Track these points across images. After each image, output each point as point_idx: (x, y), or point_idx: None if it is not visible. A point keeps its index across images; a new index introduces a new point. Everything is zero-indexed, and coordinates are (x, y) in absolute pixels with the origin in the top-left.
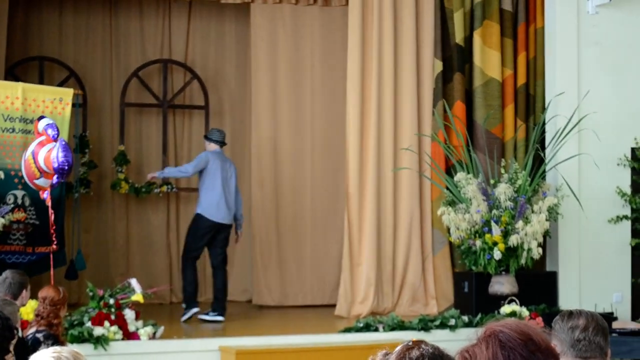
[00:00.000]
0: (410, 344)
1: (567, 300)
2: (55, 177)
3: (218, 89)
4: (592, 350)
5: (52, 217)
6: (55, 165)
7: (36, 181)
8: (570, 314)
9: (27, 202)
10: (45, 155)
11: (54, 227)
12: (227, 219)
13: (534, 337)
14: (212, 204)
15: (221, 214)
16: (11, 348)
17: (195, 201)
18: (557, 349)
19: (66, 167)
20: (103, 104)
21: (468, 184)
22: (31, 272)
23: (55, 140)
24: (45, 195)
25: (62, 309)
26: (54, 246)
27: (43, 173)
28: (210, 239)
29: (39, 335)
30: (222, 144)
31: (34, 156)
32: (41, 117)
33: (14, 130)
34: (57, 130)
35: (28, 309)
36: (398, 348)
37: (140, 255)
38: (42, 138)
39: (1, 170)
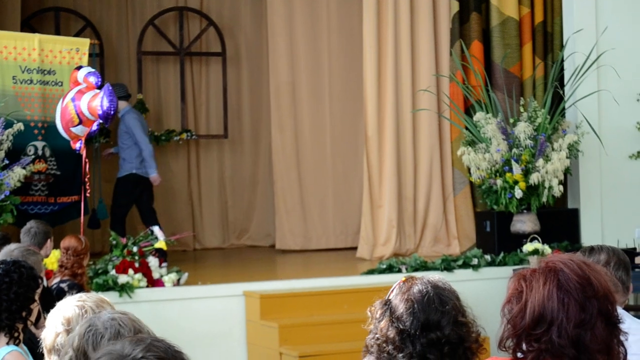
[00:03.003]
0: (404, 282)
1: (589, 236)
2: (95, 124)
3: (234, 35)
4: (614, 286)
5: (87, 167)
6: (100, 111)
7: (73, 129)
8: (592, 249)
9: (48, 152)
10: (89, 101)
11: (88, 177)
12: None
13: (593, 282)
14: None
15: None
16: (36, 297)
17: (216, 147)
18: None
19: (112, 112)
20: (120, 53)
21: (487, 123)
22: (54, 222)
23: (99, 87)
24: (79, 145)
25: (85, 259)
26: (87, 194)
27: (83, 120)
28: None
29: (63, 285)
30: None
31: (75, 103)
32: (79, 67)
33: (31, 81)
34: (100, 77)
35: (52, 259)
36: (395, 290)
37: (162, 203)
38: (82, 86)
39: (20, 121)
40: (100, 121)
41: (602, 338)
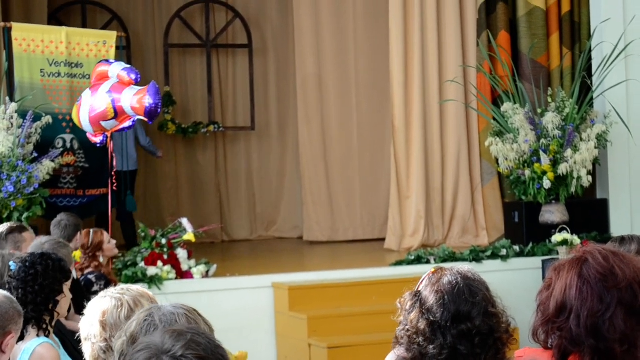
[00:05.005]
0: (433, 273)
1: (618, 226)
2: (131, 120)
3: (261, 27)
4: None
5: (114, 161)
6: (147, 108)
7: (103, 122)
8: (622, 239)
9: (76, 145)
10: (132, 97)
11: (114, 171)
12: None
13: (616, 272)
14: None
15: None
16: (65, 289)
17: (244, 139)
18: None
19: (159, 110)
20: (146, 45)
21: (515, 114)
22: (83, 215)
23: (137, 82)
24: (100, 139)
25: (97, 254)
26: (114, 187)
27: (119, 115)
28: None
29: (91, 277)
30: None
31: (113, 97)
32: (106, 60)
33: (59, 74)
34: (138, 73)
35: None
36: (424, 281)
37: (190, 196)
38: (114, 80)
39: (49, 114)
40: (141, 118)
41: (622, 329)
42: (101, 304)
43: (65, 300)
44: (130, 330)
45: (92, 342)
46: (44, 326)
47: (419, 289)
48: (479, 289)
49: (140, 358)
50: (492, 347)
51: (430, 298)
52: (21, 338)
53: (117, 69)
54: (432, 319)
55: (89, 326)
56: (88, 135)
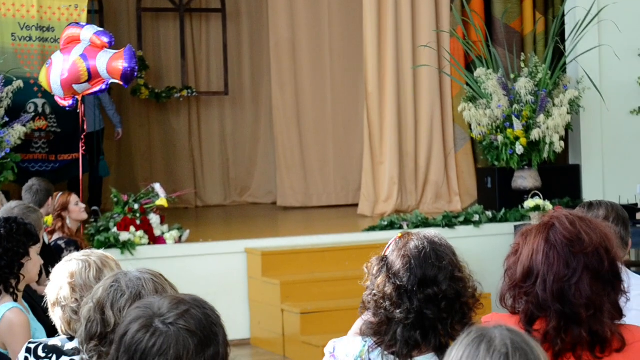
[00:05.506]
0: (400, 237)
1: (590, 192)
2: (104, 83)
3: None
4: None
5: (85, 125)
6: (124, 72)
7: (75, 85)
8: (590, 204)
9: (48, 110)
10: (109, 60)
11: (84, 134)
12: None
13: (583, 237)
14: None
15: None
16: (32, 253)
17: (217, 104)
18: None
19: (135, 74)
20: (119, 9)
21: (488, 79)
22: (55, 180)
23: (111, 46)
24: (70, 102)
25: (63, 212)
26: (83, 152)
27: (92, 78)
28: None
29: (60, 243)
30: None
31: (88, 60)
32: (76, 23)
33: (30, 38)
34: (112, 36)
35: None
36: (391, 246)
37: (163, 161)
38: (87, 44)
39: (20, 79)
40: (116, 81)
41: (588, 294)
42: (68, 267)
43: (32, 263)
44: (97, 296)
45: (62, 304)
46: (11, 290)
47: (386, 254)
48: (445, 253)
49: (133, 314)
50: (458, 311)
51: (397, 263)
52: None
53: (90, 32)
54: (398, 283)
55: (57, 290)
56: (57, 98)
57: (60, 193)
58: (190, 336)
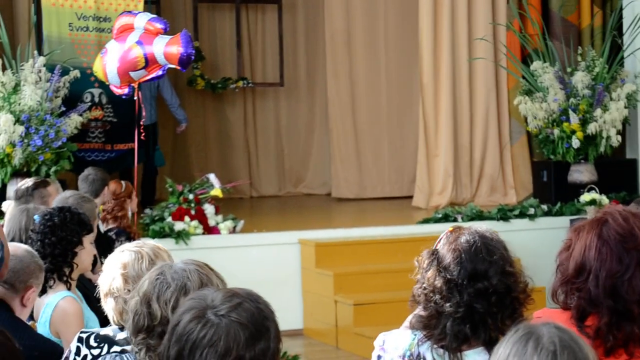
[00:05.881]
0: (451, 231)
1: None
2: (161, 69)
3: None
4: None
5: (143, 112)
6: (180, 57)
7: (132, 73)
8: None
9: (104, 99)
10: (165, 46)
11: (143, 121)
12: None
13: (636, 233)
14: None
15: None
16: (86, 242)
17: (272, 95)
18: None
19: (192, 58)
20: (175, 1)
21: (545, 72)
22: (110, 170)
23: (166, 32)
24: (127, 90)
25: (126, 201)
26: (143, 137)
27: (150, 64)
28: None
29: (111, 234)
30: None
31: (144, 47)
32: (128, 12)
33: (87, 28)
34: (166, 22)
35: None
36: (442, 239)
37: (218, 151)
38: (142, 31)
39: (77, 69)
40: (173, 66)
41: None
42: (120, 258)
43: (85, 252)
44: (143, 289)
45: (115, 296)
46: (64, 278)
47: (437, 248)
48: (496, 247)
49: (187, 305)
50: (508, 306)
51: (447, 256)
52: (44, 292)
53: (144, 20)
54: (448, 277)
55: (110, 280)
56: (112, 87)
57: (123, 182)
58: (241, 329)
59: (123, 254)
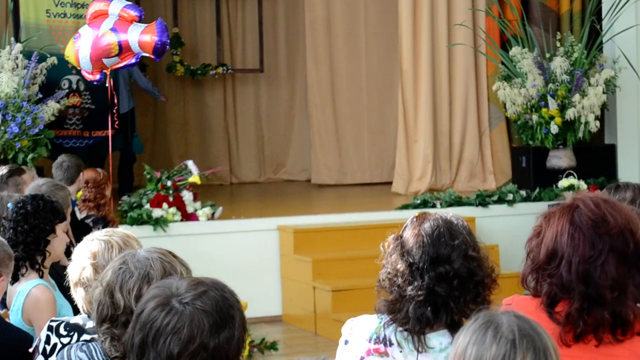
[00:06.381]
0: (417, 217)
1: (626, 172)
2: (135, 57)
3: None
4: None
5: (115, 99)
6: (155, 45)
7: (105, 60)
8: (617, 187)
9: (82, 86)
10: (140, 34)
11: (116, 109)
12: None
13: (608, 219)
14: None
15: None
16: (59, 230)
17: (252, 81)
18: None
19: (167, 47)
20: None
21: (523, 58)
22: (89, 156)
23: (141, 19)
24: (98, 77)
25: (106, 189)
26: (116, 126)
27: (123, 51)
28: None
29: (88, 221)
30: None
31: (118, 34)
32: None
33: (65, 15)
34: (141, 10)
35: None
36: (407, 225)
37: (198, 138)
38: (116, 18)
39: (54, 55)
40: (147, 55)
41: (613, 275)
42: (90, 247)
43: (58, 240)
44: (106, 279)
45: (86, 285)
46: (37, 266)
47: (401, 233)
48: (459, 232)
49: (151, 293)
50: (472, 290)
51: (410, 241)
52: (16, 279)
53: (119, 6)
54: (410, 260)
55: (79, 270)
56: (84, 72)
57: (99, 169)
58: (205, 317)
59: (92, 242)
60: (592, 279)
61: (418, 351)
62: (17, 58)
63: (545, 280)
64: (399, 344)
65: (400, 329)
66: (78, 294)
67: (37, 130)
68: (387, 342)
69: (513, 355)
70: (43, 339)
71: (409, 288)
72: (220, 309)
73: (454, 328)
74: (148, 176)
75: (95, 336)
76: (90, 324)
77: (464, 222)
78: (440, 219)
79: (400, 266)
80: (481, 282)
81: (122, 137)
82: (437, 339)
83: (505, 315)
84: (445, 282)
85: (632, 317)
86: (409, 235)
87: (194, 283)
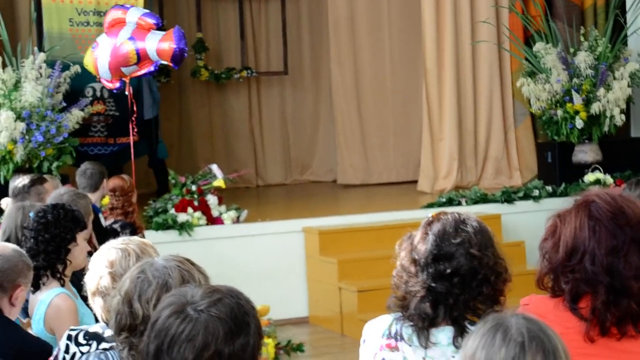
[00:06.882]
0: (430, 218)
1: None
2: (153, 65)
3: None
4: None
5: (135, 107)
6: (173, 53)
7: (124, 69)
8: (638, 181)
9: (106, 94)
10: (158, 42)
11: (135, 116)
12: None
13: (626, 210)
14: None
15: None
16: (79, 239)
17: (277, 84)
18: None
19: (185, 54)
20: None
21: (547, 53)
22: (114, 163)
23: (159, 27)
24: (118, 85)
25: (132, 196)
26: (135, 134)
27: (142, 60)
28: None
29: (116, 226)
30: None
31: (136, 43)
32: (120, 6)
33: (88, 23)
34: (159, 18)
35: (107, 200)
36: (422, 223)
37: (224, 141)
38: (134, 26)
39: (77, 64)
40: (166, 63)
41: (637, 265)
42: (107, 255)
43: (79, 249)
44: (125, 288)
45: (104, 294)
46: (58, 275)
47: (413, 232)
48: (465, 230)
49: (167, 301)
50: (474, 288)
51: (417, 237)
52: (37, 289)
53: (136, 15)
54: (415, 257)
55: (97, 279)
56: (103, 81)
57: (125, 177)
58: (220, 324)
59: (110, 251)
60: (616, 270)
61: (423, 347)
62: (40, 67)
63: (567, 278)
64: (408, 339)
65: (408, 324)
66: (96, 303)
67: (61, 138)
68: (398, 337)
69: (522, 357)
70: (62, 348)
71: (412, 282)
72: (235, 316)
73: (456, 324)
74: (173, 181)
75: (114, 344)
76: (108, 332)
77: (477, 222)
78: (451, 217)
79: (406, 262)
80: (485, 280)
81: (146, 143)
82: (442, 334)
83: (514, 317)
84: (445, 279)
85: None
86: (419, 233)
87: (209, 290)
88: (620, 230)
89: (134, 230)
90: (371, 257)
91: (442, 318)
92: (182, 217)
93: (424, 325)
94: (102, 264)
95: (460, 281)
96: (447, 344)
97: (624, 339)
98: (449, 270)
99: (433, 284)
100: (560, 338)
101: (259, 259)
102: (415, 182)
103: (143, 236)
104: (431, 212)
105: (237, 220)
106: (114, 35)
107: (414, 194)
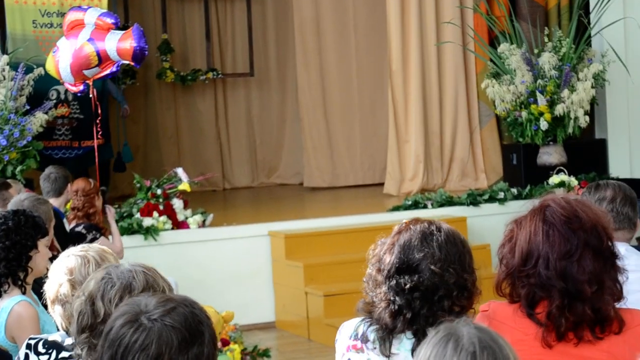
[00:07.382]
0: (403, 225)
1: (617, 166)
2: (115, 66)
3: None
4: (621, 222)
5: (99, 110)
6: (134, 53)
7: (86, 71)
8: (597, 185)
9: (70, 96)
10: (117, 42)
11: (99, 119)
12: None
13: (580, 215)
14: None
15: None
16: (41, 246)
17: (243, 86)
18: None
19: (146, 53)
20: None
21: (512, 54)
22: (79, 167)
23: (118, 27)
24: (82, 88)
25: (95, 198)
26: (100, 136)
27: (103, 61)
28: None
29: (79, 229)
30: None
31: (95, 44)
32: (78, 7)
33: (52, 25)
34: (117, 17)
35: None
36: (394, 230)
37: (190, 144)
38: (93, 27)
39: (41, 66)
40: (126, 62)
41: (590, 269)
42: (66, 263)
43: (40, 256)
44: (89, 289)
45: (63, 302)
46: (19, 282)
47: (382, 239)
48: (431, 245)
49: (120, 310)
50: (435, 302)
51: (385, 247)
52: None
53: (94, 15)
54: (380, 267)
55: (56, 287)
56: (67, 85)
57: (90, 179)
58: (174, 333)
59: (69, 259)
60: (570, 274)
61: (385, 356)
62: (3, 70)
63: (522, 283)
64: (373, 342)
65: (374, 328)
66: (56, 311)
67: (25, 142)
68: (364, 339)
69: None
70: (22, 357)
71: (376, 292)
72: (190, 325)
73: (416, 337)
74: (138, 185)
75: (73, 353)
76: (68, 341)
77: (446, 234)
78: (419, 228)
79: (372, 271)
80: (447, 297)
81: (111, 146)
82: (401, 345)
83: (465, 327)
84: (405, 293)
85: (612, 312)
86: (387, 241)
87: (162, 300)
88: (574, 234)
89: (99, 231)
90: (337, 261)
91: (401, 330)
92: (147, 222)
93: (384, 334)
94: (61, 272)
95: (420, 296)
96: (404, 357)
97: (581, 345)
98: (408, 285)
99: (392, 297)
100: (512, 348)
101: (225, 263)
102: (381, 184)
103: (108, 238)
104: (397, 216)
105: (202, 225)
106: (73, 37)
107: (381, 196)
